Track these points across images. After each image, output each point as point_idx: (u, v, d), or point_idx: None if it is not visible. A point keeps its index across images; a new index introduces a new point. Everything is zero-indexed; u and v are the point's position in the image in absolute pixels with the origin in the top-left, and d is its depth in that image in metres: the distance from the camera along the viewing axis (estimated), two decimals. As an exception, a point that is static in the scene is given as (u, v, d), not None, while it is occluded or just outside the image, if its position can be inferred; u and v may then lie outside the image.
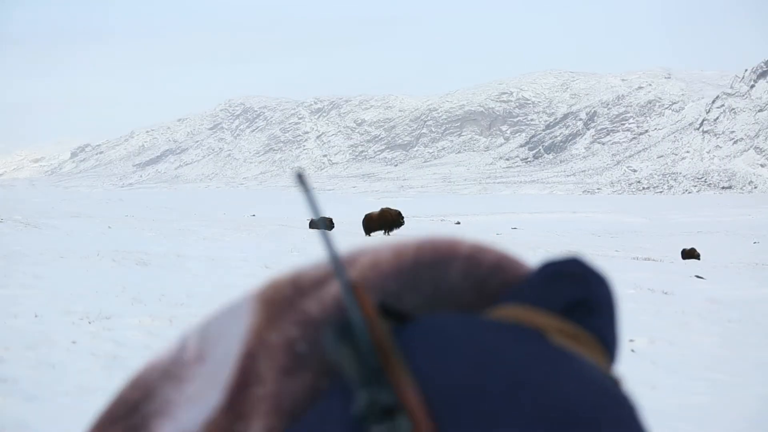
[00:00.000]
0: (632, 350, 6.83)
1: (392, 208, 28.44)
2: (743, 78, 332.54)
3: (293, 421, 0.99)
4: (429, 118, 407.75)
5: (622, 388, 1.01)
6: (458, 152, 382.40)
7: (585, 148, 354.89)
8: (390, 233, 26.02)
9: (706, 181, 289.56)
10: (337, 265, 0.95)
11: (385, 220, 26.81)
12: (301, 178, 1.00)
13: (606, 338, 1.05)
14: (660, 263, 18.47)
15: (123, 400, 1.21)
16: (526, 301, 1.07)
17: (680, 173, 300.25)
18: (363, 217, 28.01)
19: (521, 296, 1.08)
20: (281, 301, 1.19)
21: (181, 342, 1.24)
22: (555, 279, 1.08)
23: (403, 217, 27.38)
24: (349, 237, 21.97)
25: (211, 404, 1.08)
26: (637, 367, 6.20)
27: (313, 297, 1.18)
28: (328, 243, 0.97)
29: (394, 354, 0.88)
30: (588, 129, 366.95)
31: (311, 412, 0.97)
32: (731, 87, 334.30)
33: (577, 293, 1.05)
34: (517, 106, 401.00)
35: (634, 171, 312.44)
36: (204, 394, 1.13)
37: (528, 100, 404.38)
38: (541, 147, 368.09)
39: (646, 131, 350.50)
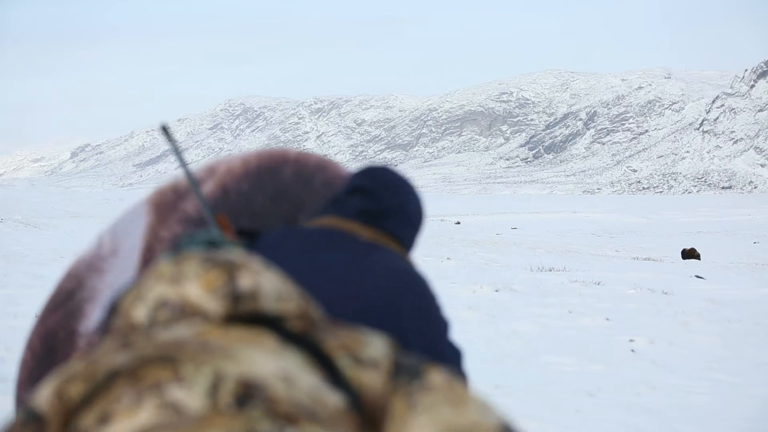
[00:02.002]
0: (632, 350, 6.82)
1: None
2: (743, 78, 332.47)
3: None
4: (429, 118, 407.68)
5: (417, 268, 1.30)
6: (458, 152, 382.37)
7: (585, 148, 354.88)
8: None
9: (706, 181, 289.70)
10: (204, 204, 1.16)
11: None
12: (165, 131, 1.21)
13: (398, 235, 1.36)
14: (660, 263, 18.43)
15: (61, 289, 1.45)
16: (336, 213, 1.36)
17: (680, 173, 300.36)
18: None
19: (332, 209, 1.37)
20: (167, 204, 1.50)
21: (98, 239, 1.49)
22: (352, 193, 1.37)
23: None
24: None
25: None
26: (637, 367, 6.19)
27: (189, 199, 1.50)
28: (201, 197, 1.17)
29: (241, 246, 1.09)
30: (588, 129, 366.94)
31: None
32: (731, 87, 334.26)
33: (369, 205, 1.35)
34: (517, 106, 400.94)
35: (634, 171, 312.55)
36: (120, 282, 1.35)
37: (528, 100, 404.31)
38: (541, 147, 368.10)
39: (646, 131, 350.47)
